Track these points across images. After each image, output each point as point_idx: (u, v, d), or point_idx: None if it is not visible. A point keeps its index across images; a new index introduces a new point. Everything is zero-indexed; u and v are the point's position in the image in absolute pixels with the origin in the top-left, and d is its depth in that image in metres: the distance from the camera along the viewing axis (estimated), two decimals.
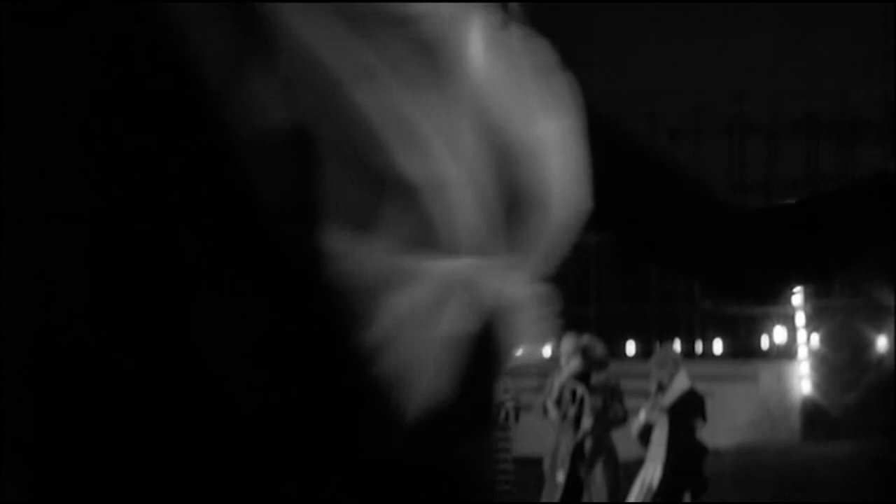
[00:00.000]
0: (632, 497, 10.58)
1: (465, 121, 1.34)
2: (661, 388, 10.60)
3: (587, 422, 10.61)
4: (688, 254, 1.68)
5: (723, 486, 17.12)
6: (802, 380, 26.52)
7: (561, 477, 10.58)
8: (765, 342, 37.00)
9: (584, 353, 10.66)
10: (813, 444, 24.20)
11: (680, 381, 10.66)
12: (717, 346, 46.23)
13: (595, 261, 33.97)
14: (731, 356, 44.90)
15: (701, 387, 13.44)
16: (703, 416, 10.65)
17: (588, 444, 10.65)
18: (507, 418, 11.02)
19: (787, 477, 18.83)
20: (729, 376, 24.71)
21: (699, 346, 35.11)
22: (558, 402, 10.75)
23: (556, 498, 10.59)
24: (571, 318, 37.76)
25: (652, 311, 36.59)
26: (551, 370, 10.93)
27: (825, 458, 21.79)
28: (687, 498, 10.41)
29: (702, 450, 10.62)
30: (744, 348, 40.52)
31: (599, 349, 10.86)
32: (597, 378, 10.70)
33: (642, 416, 10.64)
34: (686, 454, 10.47)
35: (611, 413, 10.72)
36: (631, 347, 41.01)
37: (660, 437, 10.46)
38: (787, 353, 29.61)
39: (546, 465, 10.87)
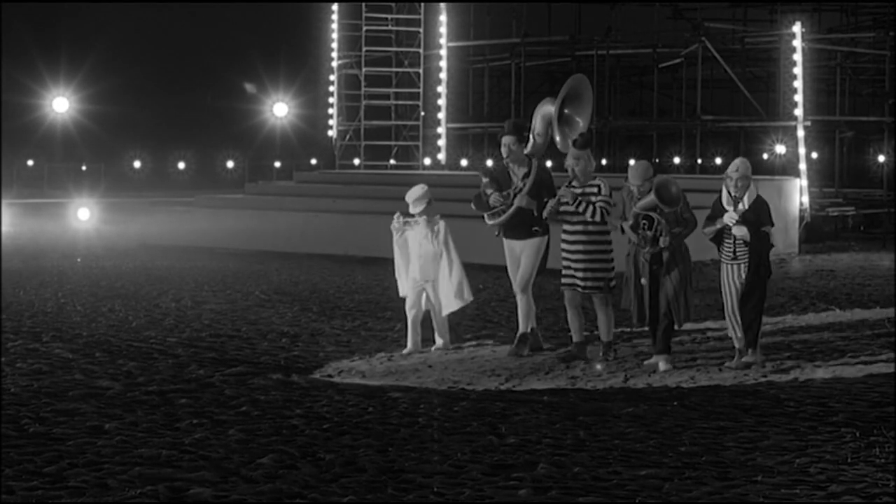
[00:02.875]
0: (723, 295, 12.59)
1: None
2: (737, 201, 12.34)
3: (664, 240, 12.30)
4: None
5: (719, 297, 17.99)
6: (802, 194, 27.18)
7: (645, 280, 12.43)
8: (766, 157, 37.67)
9: (658, 193, 12.22)
10: (810, 257, 24.97)
11: (750, 192, 12.32)
12: (718, 161, 46.87)
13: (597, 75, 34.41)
14: None
15: (703, 200, 14.36)
16: (771, 221, 12.43)
17: (665, 255, 12.38)
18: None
19: (784, 288, 19.57)
20: None
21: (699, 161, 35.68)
22: (633, 228, 12.45)
23: (642, 294, 12.51)
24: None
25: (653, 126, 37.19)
26: (623, 194, 12.72)
27: (820, 268, 22.61)
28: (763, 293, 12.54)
29: (770, 248, 12.53)
30: None
31: (674, 190, 12.32)
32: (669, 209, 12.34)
33: (724, 221, 12.36)
34: (761, 254, 12.33)
35: (682, 229, 12.36)
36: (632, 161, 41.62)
37: (739, 241, 12.35)
38: (787, 168, 30.23)
39: (627, 272, 12.64)
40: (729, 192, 12.39)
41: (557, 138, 13.41)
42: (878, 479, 8.38)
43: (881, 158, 37.50)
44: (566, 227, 12.90)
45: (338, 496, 7.94)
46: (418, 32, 34.73)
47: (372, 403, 10.71)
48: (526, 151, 13.42)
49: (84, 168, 56.45)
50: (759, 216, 12.33)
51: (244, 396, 10.96)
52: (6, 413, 10.12)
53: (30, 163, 56.69)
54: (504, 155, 13.38)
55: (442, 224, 13.43)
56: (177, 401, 10.74)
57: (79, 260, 23.37)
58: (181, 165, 62.11)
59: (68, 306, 16.78)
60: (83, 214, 32.54)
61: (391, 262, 13.83)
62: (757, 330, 12.52)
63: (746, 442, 9.43)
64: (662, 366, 12.42)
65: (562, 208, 12.76)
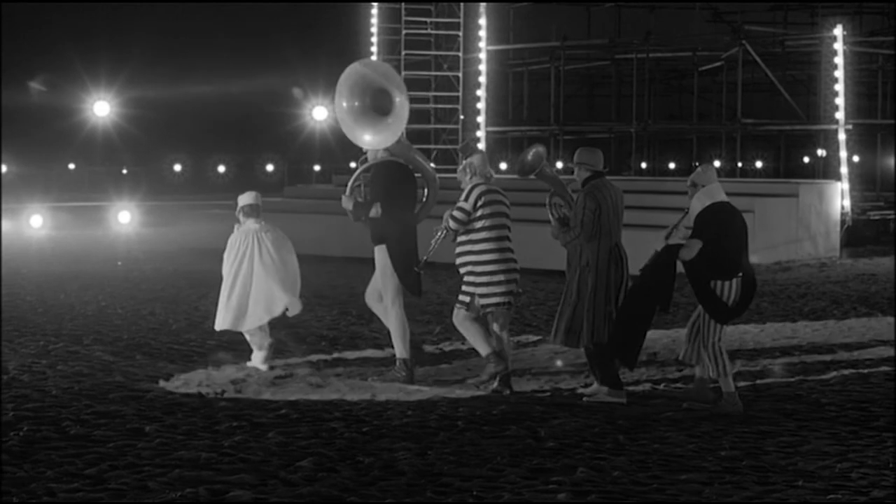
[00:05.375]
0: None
1: None
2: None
3: (553, 225, 11.32)
4: None
5: (760, 302, 17.92)
6: (843, 198, 27.03)
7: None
8: (806, 160, 37.47)
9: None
10: (851, 261, 24.83)
11: (698, 201, 10.72)
12: (759, 164, 46.73)
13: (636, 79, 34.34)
14: (772, 174, 45.20)
15: (742, 203, 14.22)
16: (702, 236, 10.65)
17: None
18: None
19: (825, 292, 19.47)
20: (770, 194, 25.28)
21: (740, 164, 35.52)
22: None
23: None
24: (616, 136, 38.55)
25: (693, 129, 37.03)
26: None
27: (862, 272, 22.49)
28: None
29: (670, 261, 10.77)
30: (785, 167, 41.03)
31: (529, 157, 11.57)
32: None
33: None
34: (658, 259, 10.80)
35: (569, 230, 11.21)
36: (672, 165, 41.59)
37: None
38: (828, 171, 30.07)
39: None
40: None
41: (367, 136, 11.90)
42: None
43: None
44: None
45: (377, 499, 7.95)
46: (457, 36, 34.73)
47: (411, 406, 10.71)
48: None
49: (124, 172, 56.75)
50: (695, 230, 10.69)
51: (283, 399, 10.98)
52: (47, 415, 10.17)
53: (71, 166, 57.03)
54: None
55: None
56: (216, 404, 10.77)
57: (119, 263, 23.47)
58: (221, 169, 62.34)
59: (109, 309, 16.85)
60: (124, 218, 32.70)
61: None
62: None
63: (787, 446, 9.39)
64: (602, 396, 11.10)
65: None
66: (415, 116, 35.49)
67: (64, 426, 9.81)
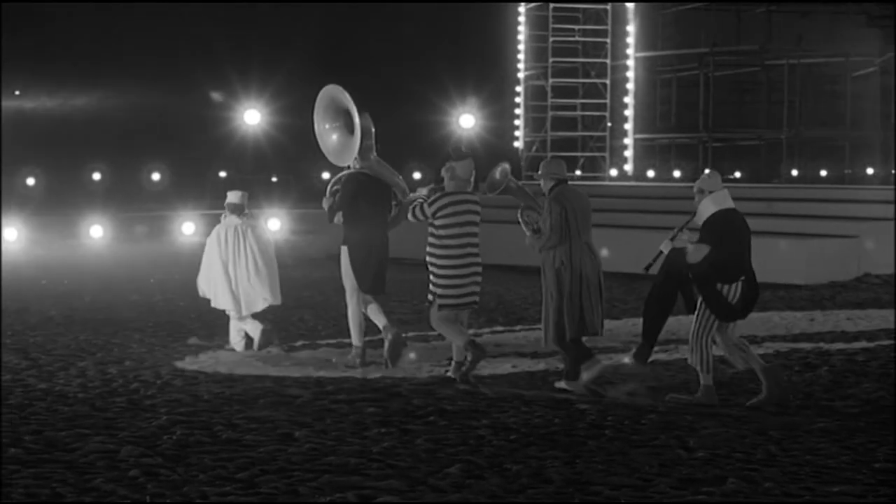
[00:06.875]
0: None
1: None
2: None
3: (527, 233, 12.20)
4: None
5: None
6: None
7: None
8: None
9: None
10: None
11: (704, 209, 11.28)
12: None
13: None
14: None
15: None
16: (712, 241, 11.14)
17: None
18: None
19: None
20: None
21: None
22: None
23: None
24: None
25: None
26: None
27: None
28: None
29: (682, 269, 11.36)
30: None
31: (497, 175, 12.78)
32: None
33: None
34: (669, 268, 11.50)
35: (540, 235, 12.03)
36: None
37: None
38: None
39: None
40: None
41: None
42: None
43: None
44: None
45: None
46: (605, 43, 34.61)
47: (558, 415, 10.68)
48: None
49: (274, 179, 57.41)
50: (702, 235, 11.24)
51: (431, 406, 11.01)
52: (199, 419, 10.32)
53: (222, 174, 57.87)
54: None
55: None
56: (365, 409, 10.84)
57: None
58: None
59: (258, 315, 17.04)
60: (273, 225, 33.10)
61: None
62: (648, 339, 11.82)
63: None
64: (567, 385, 11.82)
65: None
66: (562, 124, 35.46)
67: (216, 430, 9.95)
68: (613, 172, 35.37)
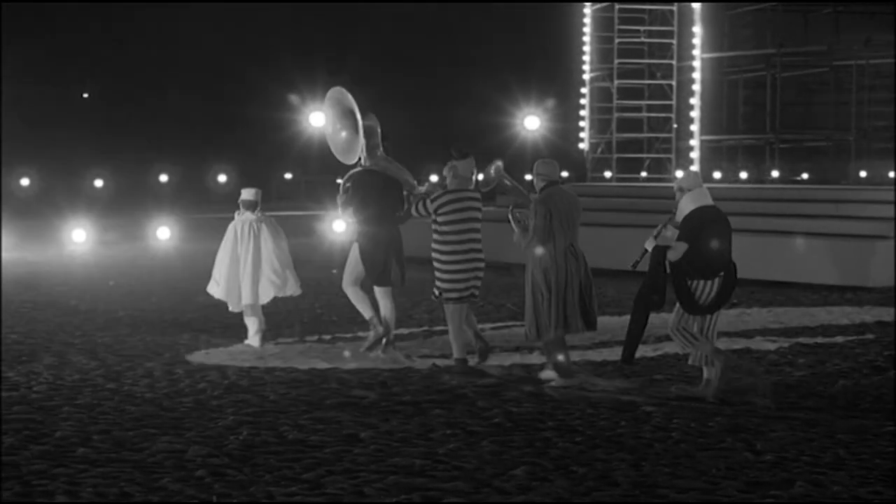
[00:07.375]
0: None
1: None
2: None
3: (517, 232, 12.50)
4: None
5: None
6: None
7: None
8: None
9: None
10: None
11: (683, 205, 11.62)
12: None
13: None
14: None
15: None
16: (687, 238, 11.47)
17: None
18: None
19: None
20: None
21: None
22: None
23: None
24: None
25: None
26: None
27: None
28: None
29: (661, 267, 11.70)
30: None
31: (492, 172, 13.40)
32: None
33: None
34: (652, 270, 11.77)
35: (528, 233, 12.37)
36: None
37: None
38: None
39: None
40: None
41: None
42: None
43: None
44: None
45: None
46: (671, 44, 34.46)
47: (624, 417, 10.64)
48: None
49: (338, 182, 57.71)
50: (680, 231, 11.54)
51: (497, 408, 11.01)
52: (266, 420, 10.37)
53: (287, 176, 58.13)
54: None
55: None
56: (430, 411, 10.85)
57: (334, 271, 23.78)
58: (433, 178, 62.92)
59: (324, 316, 17.13)
60: (338, 226, 33.21)
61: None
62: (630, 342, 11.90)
63: None
64: (548, 375, 12.34)
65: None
66: (628, 125, 35.35)
67: (282, 431, 9.99)
68: (679, 174, 35.20)
